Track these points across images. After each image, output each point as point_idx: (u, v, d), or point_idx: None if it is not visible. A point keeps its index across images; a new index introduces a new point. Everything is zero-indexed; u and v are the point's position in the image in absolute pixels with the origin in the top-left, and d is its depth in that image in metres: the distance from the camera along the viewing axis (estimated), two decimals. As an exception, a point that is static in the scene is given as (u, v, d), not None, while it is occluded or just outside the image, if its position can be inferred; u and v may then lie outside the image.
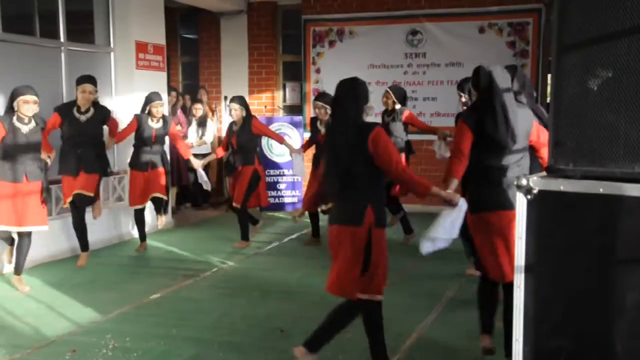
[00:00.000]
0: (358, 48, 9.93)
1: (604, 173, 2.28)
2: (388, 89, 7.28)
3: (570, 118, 2.40)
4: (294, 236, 7.71)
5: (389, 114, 7.13)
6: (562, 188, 2.32)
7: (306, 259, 6.80)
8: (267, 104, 10.47)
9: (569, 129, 2.41)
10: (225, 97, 10.46)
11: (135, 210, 7.14)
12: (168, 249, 7.23)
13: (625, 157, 2.24)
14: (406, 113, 7.06)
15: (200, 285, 5.96)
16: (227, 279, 6.21)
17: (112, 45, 7.88)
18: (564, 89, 2.42)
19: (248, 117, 7.18)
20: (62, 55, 7.17)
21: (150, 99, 6.96)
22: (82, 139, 6.35)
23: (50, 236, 6.39)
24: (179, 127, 9.16)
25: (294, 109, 10.49)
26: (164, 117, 7.10)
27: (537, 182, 2.35)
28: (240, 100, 7.25)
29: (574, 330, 2.26)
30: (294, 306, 5.31)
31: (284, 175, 9.57)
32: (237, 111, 7.12)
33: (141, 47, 7.97)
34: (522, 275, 2.30)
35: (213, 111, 10.20)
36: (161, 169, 7.06)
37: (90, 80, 6.46)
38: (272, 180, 9.55)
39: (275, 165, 9.60)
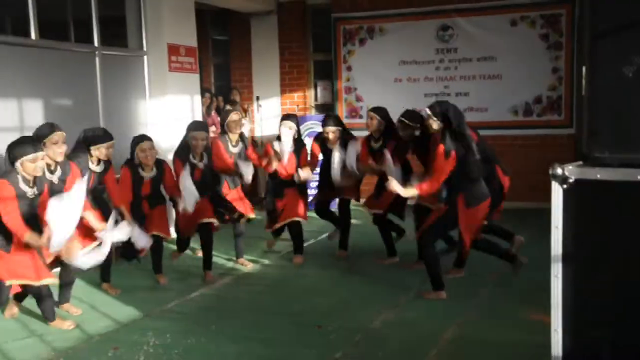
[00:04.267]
0: (389, 45, 9.90)
1: (641, 160, 2.25)
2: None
3: (606, 106, 2.39)
4: (326, 235, 7.73)
5: None
6: (598, 176, 2.30)
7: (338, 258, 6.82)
8: (299, 103, 10.51)
9: (604, 117, 2.39)
10: (257, 97, 10.54)
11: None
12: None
13: (663, 143, 2.22)
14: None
15: (237, 284, 6.02)
16: (262, 277, 6.26)
17: (145, 48, 7.99)
18: (598, 78, 2.40)
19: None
20: (97, 59, 7.29)
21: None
22: None
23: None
24: (213, 129, 9.24)
25: (325, 108, 10.50)
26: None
27: (572, 171, 2.34)
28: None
29: (614, 319, 2.24)
30: (329, 303, 5.34)
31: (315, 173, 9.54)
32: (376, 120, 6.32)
33: (173, 50, 8.07)
34: (560, 265, 2.29)
35: (245, 111, 10.28)
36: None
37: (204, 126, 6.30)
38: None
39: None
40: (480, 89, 9.48)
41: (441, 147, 5.08)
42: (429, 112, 5.25)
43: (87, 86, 7.21)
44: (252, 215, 6.54)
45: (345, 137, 6.55)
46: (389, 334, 4.58)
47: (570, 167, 2.34)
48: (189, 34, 8.40)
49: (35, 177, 4.55)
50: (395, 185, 5.26)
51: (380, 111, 6.36)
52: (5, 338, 4.63)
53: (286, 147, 6.48)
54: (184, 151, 6.07)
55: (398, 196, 5.81)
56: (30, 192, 4.53)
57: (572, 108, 9.12)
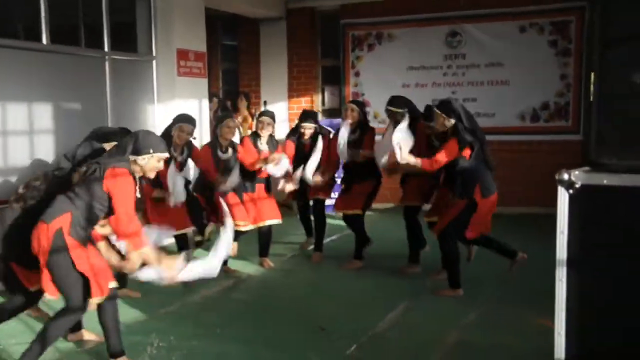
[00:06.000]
0: (397, 51, 9.93)
1: (650, 166, 2.26)
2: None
3: (613, 112, 2.39)
4: (334, 237, 7.74)
5: None
6: (605, 182, 2.30)
7: (346, 259, 6.80)
8: (307, 108, 10.52)
9: (612, 124, 2.40)
10: (265, 102, 10.57)
11: None
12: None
13: (670, 149, 2.22)
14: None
15: (242, 287, 6.03)
16: (268, 279, 6.27)
17: (154, 53, 8.03)
18: (606, 84, 2.41)
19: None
20: (106, 64, 7.34)
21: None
22: None
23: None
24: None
25: (333, 112, 10.52)
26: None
27: (579, 177, 2.35)
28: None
29: (617, 323, 2.23)
30: (334, 306, 5.36)
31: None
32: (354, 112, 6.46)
33: (182, 55, 8.11)
34: (564, 269, 2.29)
35: (252, 116, 10.29)
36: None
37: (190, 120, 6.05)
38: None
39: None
40: (488, 95, 9.48)
41: (454, 140, 5.24)
42: (439, 111, 5.32)
43: (96, 90, 7.24)
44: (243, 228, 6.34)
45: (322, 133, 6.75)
46: (393, 337, 4.59)
47: (577, 173, 2.35)
48: (198, 39, 8.44)
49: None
50: (404, 154, 5.47)
51: (360, 104, 6.68)
52: (9, 340, 4.60)
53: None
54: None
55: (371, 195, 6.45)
56: None
57: (580, 114, 9.11)
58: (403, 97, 6.25)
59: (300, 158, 6.74)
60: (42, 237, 3.83)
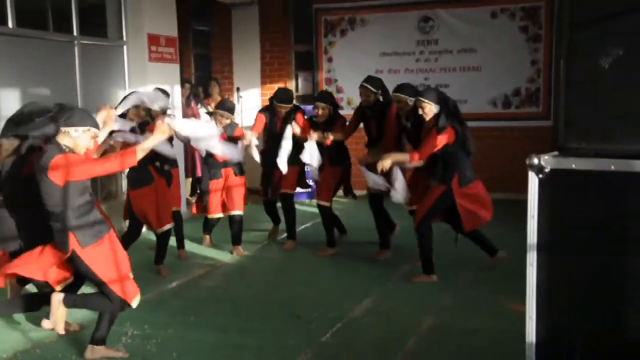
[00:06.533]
0: (370, 36, 9.91)
1: (616, 150, 2.29)
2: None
3: (582, 97, 2.41)
4: (308, 224, 7.74)
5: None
6: (573, 166, 2.33)
7: (319, 246, 6.82)
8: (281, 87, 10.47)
9: (580, 108, 2.42)
10: (238, 89, 10.50)
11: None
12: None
13: (637, 134, 2.25)
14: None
15: (216, 274, 6.02)
16: (242, 267, 6.26)
17: (124, 38, 7.92)
18: (574, 68, 2.43)
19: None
20: (76, 49, 7.22)
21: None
22: None
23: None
24: (193, 119, 9.16)
25: (306, 99, 10.49)
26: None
27: (548, 161, 2.37)
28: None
29: (589, 307, 2.27)
30: (308, 293, 5.36)
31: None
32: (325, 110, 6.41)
33: (153, 40, 8.01)
34: (535, 253, 2.32)
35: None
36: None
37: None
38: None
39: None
40: (460, 81, 9.52)
41: (435, 129, 5.25)
42: (424, 99, 5.30)
43: (65, 76, 7.14)
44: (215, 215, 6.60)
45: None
46: (369, 323, 4.61)
47: (546, 157, 2.37)
48: (169, 24, 8.34)
49: None
50: (390, 156, 5.38)
51: (327, 98, 6.53)
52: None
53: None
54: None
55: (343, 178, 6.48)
56: None
57: (550, 100, 9.21)
58: (380, 79, 6.23)
59: (271, 135, 6.71)
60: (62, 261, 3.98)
